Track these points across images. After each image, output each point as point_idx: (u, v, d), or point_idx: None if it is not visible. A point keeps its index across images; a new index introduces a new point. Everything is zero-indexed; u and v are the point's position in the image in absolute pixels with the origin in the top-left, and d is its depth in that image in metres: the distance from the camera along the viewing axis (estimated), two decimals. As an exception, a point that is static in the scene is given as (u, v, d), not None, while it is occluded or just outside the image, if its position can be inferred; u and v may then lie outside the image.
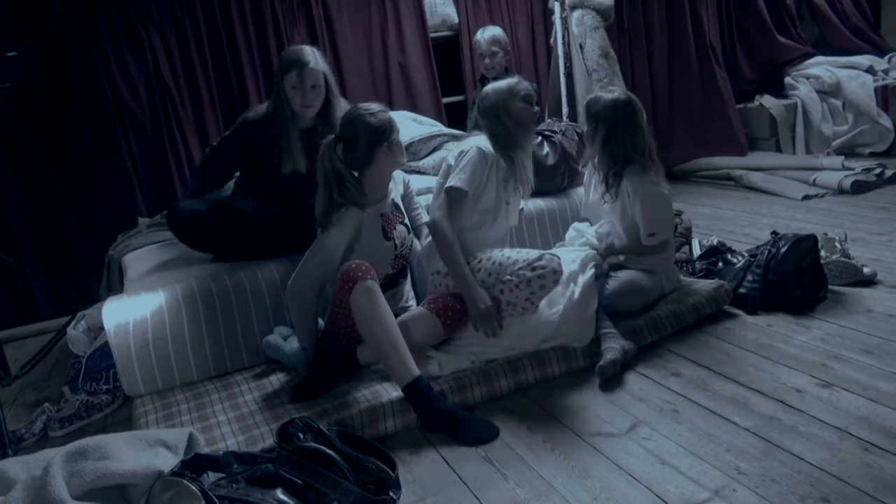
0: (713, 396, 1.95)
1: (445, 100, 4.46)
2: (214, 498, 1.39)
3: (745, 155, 4.91)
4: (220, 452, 1.61)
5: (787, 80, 5.12)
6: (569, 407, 2.00)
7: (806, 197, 4.02)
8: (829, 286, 2.56)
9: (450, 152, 2.45)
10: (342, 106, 2.63)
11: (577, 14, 4.04)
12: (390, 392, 2.03)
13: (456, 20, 4.49)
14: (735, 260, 2.68)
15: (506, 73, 3.61)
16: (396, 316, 2.15)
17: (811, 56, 5.24)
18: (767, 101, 5.02)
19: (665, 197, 2.47)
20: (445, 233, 2.27)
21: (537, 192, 2.75)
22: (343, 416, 1.93)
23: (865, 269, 2.62)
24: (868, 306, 2.42)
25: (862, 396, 1.85)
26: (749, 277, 2.54)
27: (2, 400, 2.20)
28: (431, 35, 4.40)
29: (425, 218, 2.62)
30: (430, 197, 2.87)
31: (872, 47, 5.33)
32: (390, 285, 2.38)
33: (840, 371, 2.00)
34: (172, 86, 3.68)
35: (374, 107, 2.28)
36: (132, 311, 2.32)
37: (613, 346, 2.14)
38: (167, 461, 1.51)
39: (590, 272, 2.32)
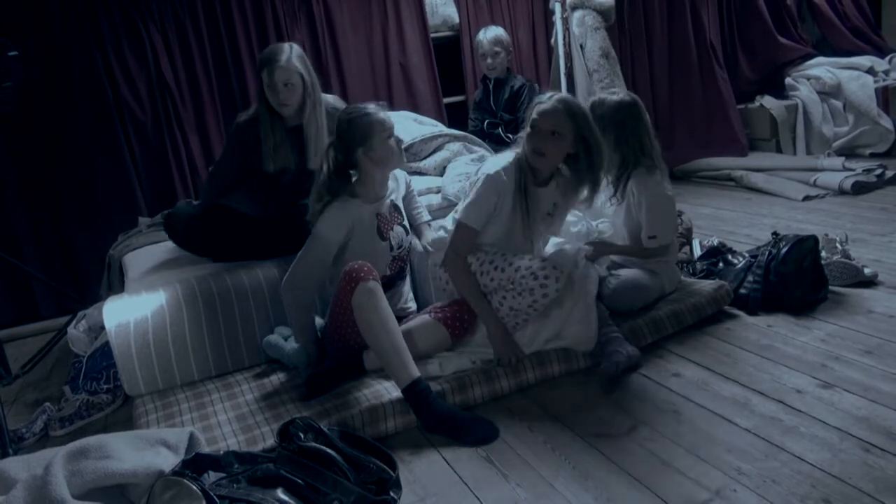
0: (714, 397, 1.95)
1: (446, 100, 4.47)
2: (215, 497, 1.39)
3: (746, 155, 4.91)
4: (221, 452, 1.61)
5: (788, 80, 5.12)
6: (569, 407, 2.00)
7: (806, 198, 4.02)
8: (830, 287, 2.56)
9: (469, 170, 2.40)
10: (329, 103, 2.62)
11: (577, 14, 4.04)
12: (391, 392, 2.03)
13: (457, 20, 4.49)
14: (736, 260, 2.68)
15: (508, 73, 3.62)
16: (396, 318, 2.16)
17: (812, 57, 5.24)
18: (768, 101, 5.02)
19: (670, 199, 2.47)
20: (457, 271, 2.25)
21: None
22: (344, 415, 1.93)
23: (866, 270, 2.62)
24: (869, 307, 2.42)
25: (862, 397, 1.84)
26: (750, 278, 2.54)
27: (2, 399, 2.20)
28: (432, 35, 4.40)
29: (426, 217, 2.62)
30: (431, 198, 2.89)
31: (873, 48, 5.33)
32: (388, 286, 2.36)
33: (841, 372, 2.00)
34: (173, 85, 3.68)
35: (360, 109, 2.24)
36: (133, 311, 2.32)
37: (618, 350, 2.12)
38: (168, 461, 1.51)
39: (582, 267, 2.31)
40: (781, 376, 2.01)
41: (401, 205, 2.47)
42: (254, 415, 2.05)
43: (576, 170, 2.25)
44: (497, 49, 3.53)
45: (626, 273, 2.44)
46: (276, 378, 2.29)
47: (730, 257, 2.74)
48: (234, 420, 2.03)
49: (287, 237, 2.56)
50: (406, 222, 2.46)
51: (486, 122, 3.62)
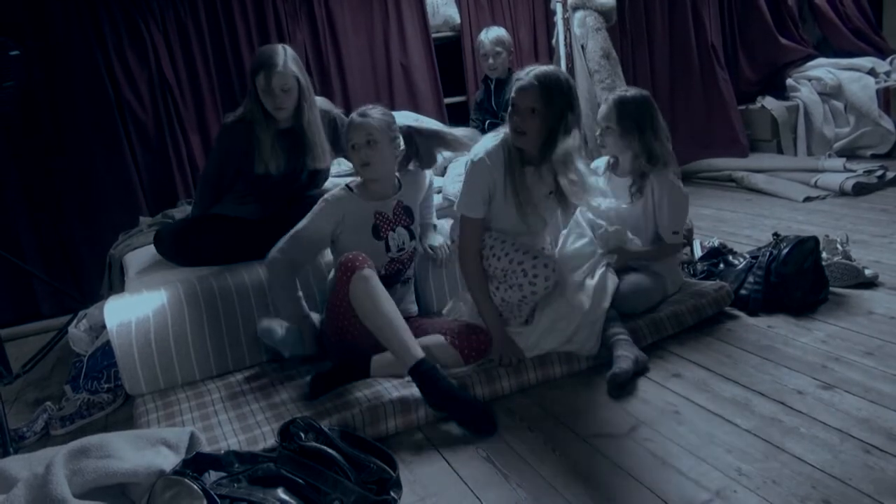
0: (714, 398, 1.95)
1: (447, 100, 4.46)
2: (216, 497, 1.39)
3: (747, 156, 4.91)
4: (222, 452, 1.61)
5: (789, 81, 5.12)
6: (570, 408, 2.00)
7: (807, 199, 4.02)
8: (831, 288, 2.56)
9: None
10: (319, 105, 2.63)
11: (579, 15, 4.04)
12: (392, 392, 2.03)
13: (458, 21, 4.49)
14: (736, 261, 2.68)
15: (509, 73, 3.62)
16: None
17: (813, 58, 5.24)
18: (769, 102, 5.02)
19: (686, 196, 2.51)
20: (465, 264, 2.24)
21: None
22: (344, 415, 1.93)
23: (867, 271, 2.62)
24: (869, 308, 2.42)
25: (863, 398, 1.84)
26: (750, 279, 2.54)
27: (3, 398, 2.20)
28: (433, 35, 4.40)
29: (433, 220, 2.63)
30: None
31: (874, 49, 5.33)
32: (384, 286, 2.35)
33: (841, 373, 2.00)
34: (174, 84, 3.68)
35: (360, 111, 2.28)
36: (134, 310, 2.32)
37: (626, 355, 2.11)
38: (168, 460, 1.51)
39: (598, 278, 2.31)
40: (782, 377, 2.01)
41: (415, 208, 2.45)
42: (254, 414, 2.05)
43: (557, 146, 2.17)
44: (498, 49, 3.53)
45: (631, 277, 2.44)
46: (277, 378, 2.29)
47: (730, 258, 2.74)
48: (234, 420, 2.03)
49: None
50: (415, 226, 2.44)
51: (488, 122, 3.62)
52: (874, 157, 4.71)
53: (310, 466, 1.51)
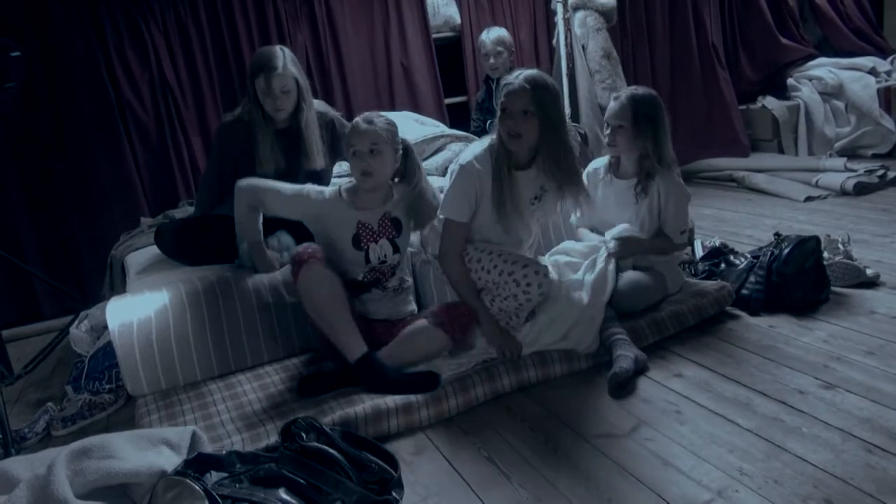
0: (716, 397, 1.95)
1: (448, 101, 4.46)
2: (217, 497, 1.39)
3: (748, 156, 4.91)
4: (224, 451, 1.61)
5: (790, 81, 5.12)
6: (571, 407, 2.00)
7: (808, 198, 4.02)
8: (832, 288, 2.55)
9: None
10: (315, 107, 2.63)
11: (579, 15, 4.04)
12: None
13: (458, 21, 4.49)
14: (737, 261, 2.68)
15: (510, 74, 3.62)
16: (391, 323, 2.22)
17: (814, 57, 5.24)
18: (770, 102, 5.02)
19: (689, 196, 2.52)
20: (450, 267, 2.25)
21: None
22: (346, 415, 1.93)
23: (868, 271, 2.62)
24: (871, 308, 2.42)
25: (865, 398, 1.84)
26: (751, 279, 2.54)
27: (5, 399, 2.20)
28: (434, 36, 4.40)
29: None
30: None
31: (875, 49, 5.33)
32: (361, 290, 2.33)
33: (843, 372, 2.00)
34: (175, 85, 3.69)
35: (362, 116, 2.24)
36: (136, 311, 2.32)
37: (626, 355, 2.11)
38: (170, 460, 1.51)
39: (597, 274, 2.32)
40: (783, 377, 2.01)
41: (404, 221, 2.35)
42: (256, 414, 2.05)
43: (547, 148, 2.21)
44: (499, 49, 3.53)
45: (630, 275, 2.44)
46: (279, 378, 2.29)
47: (732, 258, 2.74)
48: (236, 419, 2.03)
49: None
50: (402, 239, 2.35)
51: (489, 122, 3.62)
52: (875, 156, 4.71)
53: (311, 467, 1.51)
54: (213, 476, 1.50)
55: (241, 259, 2.55)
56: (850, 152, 4.75)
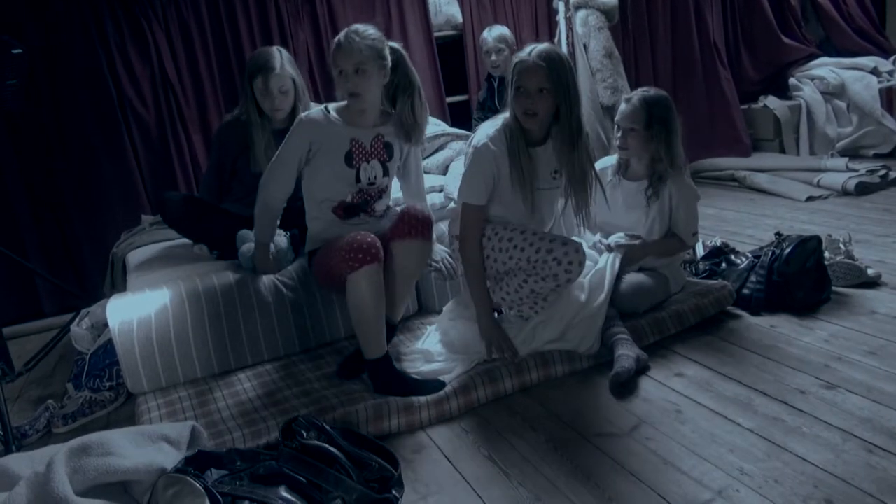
0: (716, 397, 1.94)
1: (449, 99, 4.46)
2: (218, 495, 1.39)
3: (749, 156, 4.90)
4: (224, 448, 1.62)
5: (792, 81, 5.11)
6: (572, 407, 2.00)
7: (810, 198, 4.02)
8: (833, 287, 2.55)
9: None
10: (310, 108, 2.63)
11: (581, 14, 4.04)
12: (393, 391, 2.04)
13: (460, 20, 4.49)
14: (738, 261, 2.68)
15: (521, 50, 3.61)
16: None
17: (816, 57, 5.23)
18: (771, 102, 5.02)
19: (698, 196, 2.52)
20: (469, 255, 2.21)
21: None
22: (347, 413, 1.93)
23: (869, 271, 2.62)
24: (872, 308, 2.42)
25: (866, 398, 1.84)
26: (753, 278, 2.54)
27: (6, 396, 2.20)
28: (435, 34, 4.40)
29: (425, 199, 2.59)
30: (433, 196, 2.89)
31: (877, 49, 5.33)
32: (349, 213, 2.29)
33: (844, 372, 1.99)
34: (176, 83, 3.69)
35: (350, 28, 2.12)
36: (136, 309, 2.32)
37: (628, 354, 2.11)
38: (170, 457, 1.51)
39: (595, 274, 2.32)
40: (784, 377, 2.01)
41: (396, 148, 2.33)
42: (258, 410, 2.06)
43: (562, 125, 2.17)
44: (501, 46, 3.53)
45: (633, 277, 2.44)
46: (279, 376, 2.29)
47: (733, 258, 2.73)
48: (237, 416, 2.04)
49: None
50: (392, 163, 2.33)
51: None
52: (877, 156, 4.71)
53: (312, 464, 1.51)
54: (214, 474, 1.50)
55: (241, 261, 2.56)
56: (852, 152, 4.75)
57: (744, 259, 2.67)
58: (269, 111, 2.56)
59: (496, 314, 2.33)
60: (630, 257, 2.43)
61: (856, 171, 4.13)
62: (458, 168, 2.98)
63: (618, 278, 2.39)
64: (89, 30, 3.46)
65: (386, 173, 2.31)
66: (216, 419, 2.03)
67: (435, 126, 3.44)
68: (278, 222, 2.45)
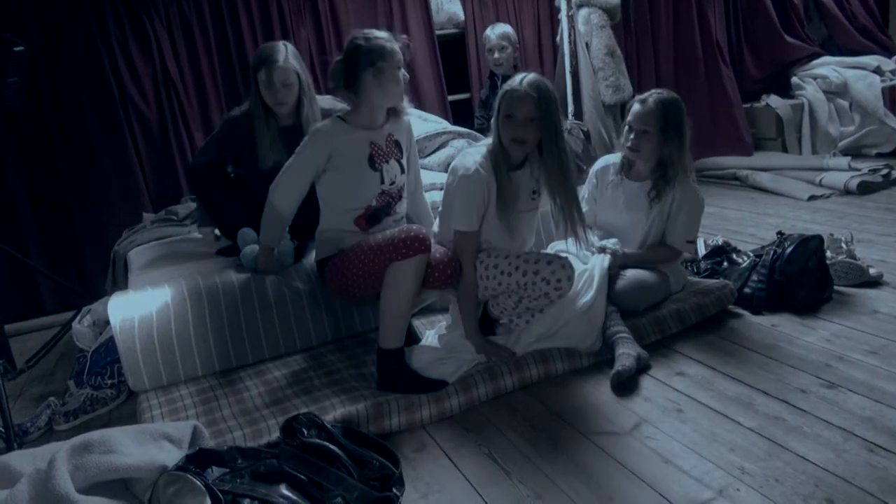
0: (718, 396, 1.94)
1: (451, 97, 4.46)
2: (219, 493, 1.39)
3: (751, 155, 4.90)
4: (225, 447, 1.62)
5: (794, 80, 5.11)
6: (572, 405, 2.00)
7: (812, 197, 4.01)
8: (835, 287, 2.55)
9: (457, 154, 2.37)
10: (318, 103, 2.63)
11: (583, 12, 4.04)
12: (394, 389, 2.04)
13: (462, 18, 4.49)
14: (740, 260, 2.68)
15: (514, 70, 3.61)
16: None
17: (818, 56, 5.22)
18: (774, 101, 5.01)
19: (703, 204, 2.50)
20: (468, 278, 2.20)
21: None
22: (348, 412, 1.93)
23: (871, 270, 2.61)
24: (874, 307, 2.42)
25: (867, 397, 1.84)
26: (754, 277, 2.54)
27: (7, 394, 2.21)
28: (437, 33, 4.40)
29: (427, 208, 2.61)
30: (434, 194, 2.88)
31: (880, 48, 5.32)
32: (372, 220, 2.31)
33: (845, 372, 1.99)
34: (178, 81, 3.69)
35: (375, 32, 2.19)
36: (138, 307, 2.32)
37: (629, 353, 2.11)
38: (171, 455, 1.51)
39: (586, 273, 2.31)
40: (786, 376, 2.01)
41: (404, 146, 2.37)
42: (259, 409, 2.06)
43: (548, 157, 2.18)
44: (504, 44, 3.53)
45: (633, 273, 2.43)
46: (280, 374, 2.30)
47: (734, 257, 2.73)
48: (238, 414, 2.04)
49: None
50: (405, 161, 2.37)
51: (493, 119, 3.61)
52: (879, 155, 4.70)
53: (312, 463, 1.51)
54: (215, 471, 1.51)
55: (242, 262, 2.55)
56: (854, 151, 4.74)
57: (745, 258, 2.67)
58: (272, 105, 2.53)
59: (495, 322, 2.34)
60: (618, 264, 2.43)
61: (858, 170, 4.13)
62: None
63: (616, 276, 2.40)
64: (91, 27, 3.46)
65: (402, 171, 2.35)
66: (217, 417, 2.04)
67: (436, 124, 3.44)
68: (287, 228, 2.44)
